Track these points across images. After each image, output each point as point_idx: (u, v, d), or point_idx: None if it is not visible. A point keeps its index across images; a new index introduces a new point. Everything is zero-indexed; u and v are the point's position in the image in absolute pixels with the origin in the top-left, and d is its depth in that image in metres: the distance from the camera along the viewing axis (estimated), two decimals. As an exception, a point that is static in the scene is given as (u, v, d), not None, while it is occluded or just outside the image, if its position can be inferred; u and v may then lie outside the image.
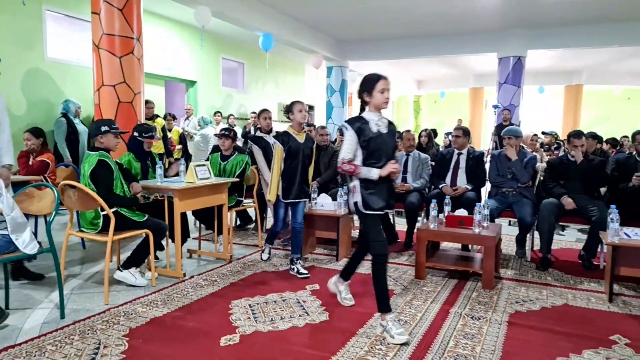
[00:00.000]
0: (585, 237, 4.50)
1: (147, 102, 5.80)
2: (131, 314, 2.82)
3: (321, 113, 12.73)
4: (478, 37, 10.02)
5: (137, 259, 3.31)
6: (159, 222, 3.35)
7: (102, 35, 4.60)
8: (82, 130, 6.18)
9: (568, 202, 4.04)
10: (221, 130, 4.58)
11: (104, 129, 3.33)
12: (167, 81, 9.20)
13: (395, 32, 10.08)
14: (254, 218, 5.59)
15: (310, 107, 13.24)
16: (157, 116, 6.62)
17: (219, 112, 9.18)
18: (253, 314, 2.88)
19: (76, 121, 6.17)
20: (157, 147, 6.01)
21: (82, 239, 4.39)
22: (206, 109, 9.77)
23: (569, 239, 5.39)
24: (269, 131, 5.12)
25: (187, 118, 8.53)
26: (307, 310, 2.96)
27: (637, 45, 9.44)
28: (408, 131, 5.13)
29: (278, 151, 3.62)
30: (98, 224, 3.13)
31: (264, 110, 5.27)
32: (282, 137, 3.66)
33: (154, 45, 8.38)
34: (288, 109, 3.69)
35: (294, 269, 3.72)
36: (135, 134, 3.99)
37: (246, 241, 4.89)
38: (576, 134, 4.26)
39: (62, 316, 2.73)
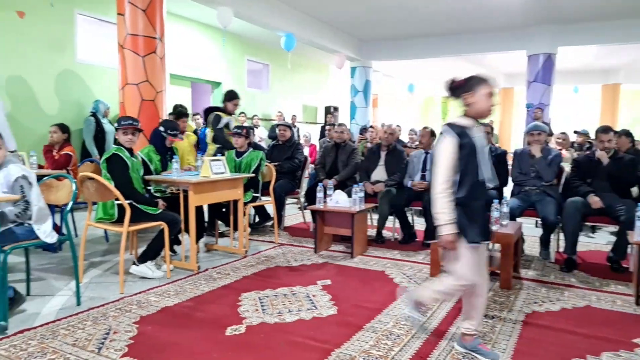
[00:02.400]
0: (615, 238, 4.31)
1: (183, 114, 5.25)
2: (143, 303, 2.89)
3: (345, 114, 12.72)
4: (505, 34, 9.78)
5: (152, 252, 3.39)
6: (173, 214, 3.43)
7: (126, 36, 4.75)
8: (109, 129, 6.39)
9: (594, 200, 3.88)
10: (234, 128, 4.64)
11: (114, 125, 3.44)
12: (193, 82, 9.40)
13: (419, 30, 9.96)
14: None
15: (335, 108, 13.25)
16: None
17: (243, 112, 9.30)
18: (261, 306, 2.89)
19: (104, 121, 6.40)
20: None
21: (106, 232, 4.53)
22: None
23: (599, 241, 5.17)
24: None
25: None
26: (316, 304, 2.95)
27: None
28: (425, 128, 5.06)
29: None
30: (113, 215, 3.23)
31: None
32: None
33: (180, 47, 8.59)
34: None
35: None
36: (161, 128, 4.01)
37: (263, 237, 4.92)
38: (603, 130, 4.10)
39: (78, 303, 2.83)
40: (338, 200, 4.36)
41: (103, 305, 2.85)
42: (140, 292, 3.08)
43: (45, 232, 2.67)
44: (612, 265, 3.96)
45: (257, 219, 5.62)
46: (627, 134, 5.62)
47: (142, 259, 3.37)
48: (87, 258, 3.89)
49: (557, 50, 9.49)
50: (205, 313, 2.76)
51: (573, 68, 14.07)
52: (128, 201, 3.19)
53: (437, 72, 15.97)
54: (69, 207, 2.76)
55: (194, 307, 2.85)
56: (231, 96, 4.94)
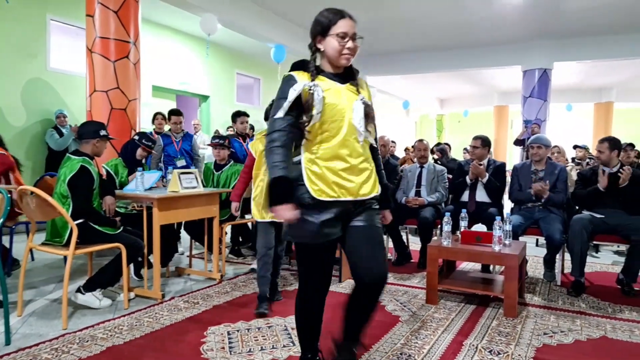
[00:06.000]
0: (623, 259, 3.96)
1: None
2: (87, 341, 2.44)
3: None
4: (501, 49, 9.58)
5: (104, 279, 2.95)
6: (134, 237, 3.01)
7: (95, 39, 4.40)
8: (70, 138, 6.00)
9: (602, 179, 3.64)
10: (214, 139, 4.26)
11: (103, 133, 3.10)
12: (178, 95, 9.06)
13: (413, 45, 9.74)
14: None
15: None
16: None
17: (231, 127, 8.94)
18: (229, 342, 2.47)
19: (64, 130, 6.01)
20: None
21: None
22: (220, 125, 9.58)
23: (605, 261, 4.82)
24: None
25: (195, 133, 8.31)
26: (295, 339, 2.53)
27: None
28: (421, 140, 4.72)
29: None
30: (64, 236, 2.81)
31: None
32: None
33: (166, 58, 8.28)
34: None
35: None
36: (136, 137, 3.79)
37: (244, 260, 4.51)
38: (600, 140, 3.81)
39: (7, 342, 2.37)
40: (324, 218, 3.97)
41: (37, 344, 2.39)
42: (86, 328, 2.63)
43: None
44: (623, 288, 3.60)
45: (240, 239, 5.21)
46: (632, 146, 5.37)
47: (90, 286, 2.92)
48: (38, 285, 3.45)
49: (552, 65, 9.30)
50: (160, 353, 2.33)
51: (566, 86, 13.97)
52: (80, 220, 2.80)
53: (432, 89, 15.80)
54: (-2, 226, 2.35)
55: (147, 346, 2.41)
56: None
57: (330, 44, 1.80)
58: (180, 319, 2.82)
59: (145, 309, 2.98)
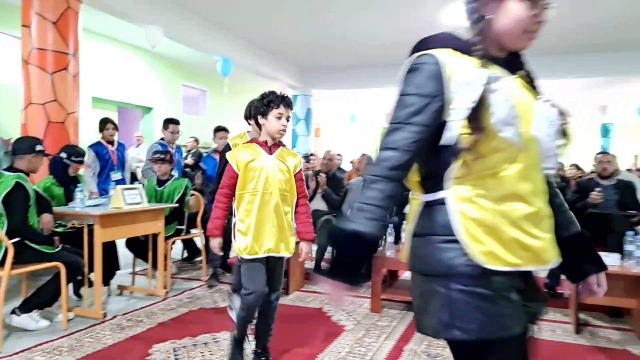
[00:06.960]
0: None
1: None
2: (23, 365, 2.36)
3: (287, 142, 12.51)
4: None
5: (42, 300, 2.84)
6: (73, 256, 2.92)
7: (32, 50, 4.22)
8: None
9: None
10: (155, 153, 4.18)
11: (38, 148, 2.97)
12: (120, 107, 8.79)
13: (360, 61, 10.04)
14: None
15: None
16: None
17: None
18: (176, 359, 2.46)
19: None
20: None
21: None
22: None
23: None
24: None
25: (138, 146, 8.10)
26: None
27: (592, 77, 9.69)
28: (363, 155, 4.92)
29: None
30: (-4, 256, 2.68)
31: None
32: None
33: (107, 69, 8.02)
34: None
35: None
36: (63, 155, 3.53)
37: (190, 274, 4.45)
38: None
39: None
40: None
41: (-33, 371, 2.29)
42: (23, 351, 2.51)
43: None
44: (549, 291, 3.92)
45: (185, 254, 5.13)
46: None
47: (26, 307, 2.79)
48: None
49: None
50: (103, 373, 2.29)
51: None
52: (16, 239, 2.68)
53: (380, 103, 16.27)
54: None
55: (89, 367, 2.36)
56: None
57: (512, 11, 1.06)
58: (123, 337, 2.76)
59: (86, 329, 2.88)
